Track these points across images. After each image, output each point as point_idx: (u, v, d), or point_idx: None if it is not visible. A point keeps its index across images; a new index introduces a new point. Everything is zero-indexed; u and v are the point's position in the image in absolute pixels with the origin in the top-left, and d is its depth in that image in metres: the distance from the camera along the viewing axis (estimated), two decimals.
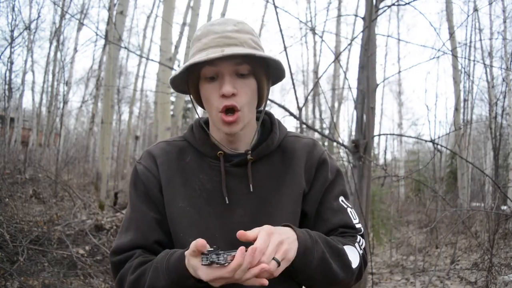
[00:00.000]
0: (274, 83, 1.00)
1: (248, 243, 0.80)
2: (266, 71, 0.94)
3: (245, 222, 0.91)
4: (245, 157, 0.94)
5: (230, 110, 0.88)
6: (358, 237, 0.97)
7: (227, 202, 0.93)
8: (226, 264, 0.71)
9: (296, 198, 0.96)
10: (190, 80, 0.93)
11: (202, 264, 0.73)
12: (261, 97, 0.95)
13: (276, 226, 0.83)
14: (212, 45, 0.87)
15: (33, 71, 14.25)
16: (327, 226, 0.96)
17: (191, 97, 0.97)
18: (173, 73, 0.90)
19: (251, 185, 0.93)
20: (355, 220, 0.98)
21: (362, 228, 0.99)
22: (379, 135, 10.45)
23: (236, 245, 0.89)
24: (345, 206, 0.99)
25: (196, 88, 0.94)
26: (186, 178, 0.96)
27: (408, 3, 2.97)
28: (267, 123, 1.03)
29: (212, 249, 0.74)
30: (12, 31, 10.85)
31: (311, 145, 1.02)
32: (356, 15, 4.03)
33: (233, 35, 0.88)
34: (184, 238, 0.92)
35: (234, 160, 0.95)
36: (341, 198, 1.00)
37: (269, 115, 1.04)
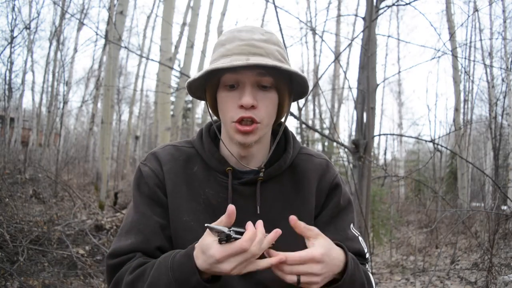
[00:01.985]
0: (294, 99, 0.95)
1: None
2: (289, 85, 0.88)
3: None
4: (255, 176, 0.90)
5: (247, 120, 0.83)
6: (367, 265, 0.96)
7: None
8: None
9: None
10: (208, 86, 0.88)
11: (219, 241, 0.69)
12: (280, 112, 0.90)
13: (332, 246, 0.79)
14: (236, 52, 0.82)
15: (33, 71, 14.25)
16: None
17: (207, 104, 0.92)
18: (192, 76, 0.85)
19: (258, 207, 0.89)
20: (365, 249, 0.97)
21: (368, 256, 0.99)
22: (379, 135, 10.45)
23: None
24: (357, 235, 0.97)
25: (213, 95, 0.89)
26: (192, 190, 0.91)
27: (409, 3, 2.97)
28: (281, 140, 0.97)
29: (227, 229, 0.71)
30: (12, 30, 10.86)
31: (323, 167, 0.97)
32: (356, 15, 4.04)
33: (260, 44, 0.82)
34: None
35: (243, 177, 0.91)
36: (351, 225, 0.97)
37: (284, 131, 0.98)
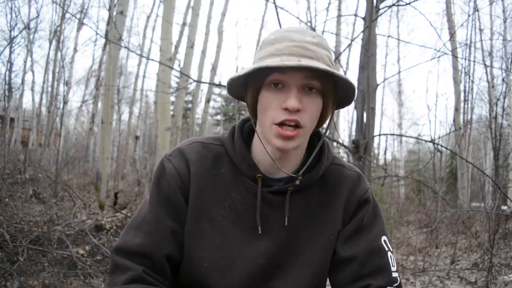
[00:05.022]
0: (337, 108, 0.91)
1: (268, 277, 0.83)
2: (334, 92, 0.85)
3: (271, 254, 0.87)
4: (286, 185, 0.87)
5: (290, 125, 0.79)
6: None
7: (260, 232, 0.86)
8: None
9: (328, 242, 0.90)
10: (250, 85, 0.83)
11: None
12: (322, 119, 0.86)
13: None
14: (286, 52, 0.78)
15: (33, 71, 14.33)
16: (359, 270, 0.86)
17: (247, 103, 0.86)
18: (236, 73, 0.81)
19: (286, 218, 0.87)
20: (394, 267, 0.87)
21: (399, 278, 0.87)
22: (379, 135, 10.46)
23: (256, 277, 0.87)
24: (386, 249, 0.89)
25: (255, 95, 0.84)
26: (217, 193, 0.88)
27: (409, 3, 2.98)
28: (315, 148, 0.93)
29: None
30: (11, 30, 10.86)
31: (354, 180, 0.94)
32: (356, 15, 4.04)
33: (311, 47, 0.79)
34: (198, 261, 0.86)
35: (273, 186, 0.88)
36: (384, 238, 0.91)
37: (319, 139, 0.95)
